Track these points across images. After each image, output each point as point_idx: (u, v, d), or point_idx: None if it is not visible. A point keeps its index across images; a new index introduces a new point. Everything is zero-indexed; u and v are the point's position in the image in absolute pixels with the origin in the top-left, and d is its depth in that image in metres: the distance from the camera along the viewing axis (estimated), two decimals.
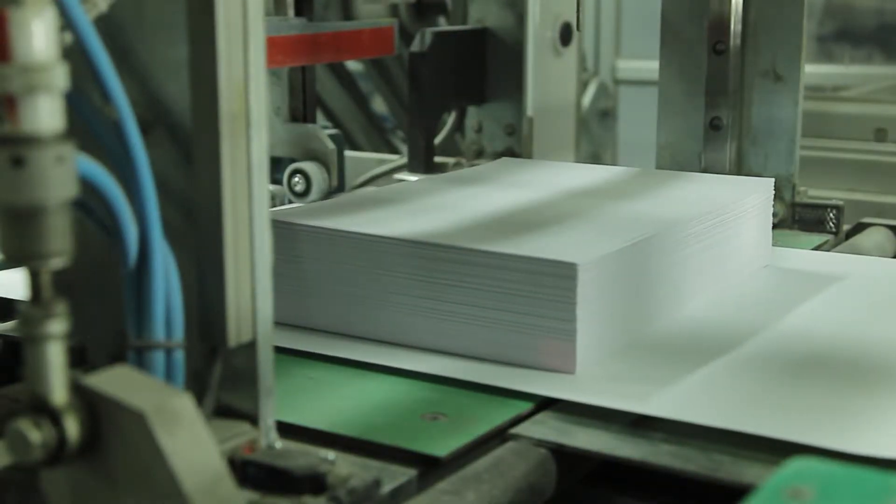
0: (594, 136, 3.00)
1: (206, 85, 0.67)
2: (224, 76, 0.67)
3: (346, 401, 0.85)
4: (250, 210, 0.69)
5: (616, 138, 3.18)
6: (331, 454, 0.68)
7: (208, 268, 0.69)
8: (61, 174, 0.56)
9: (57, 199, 0.56)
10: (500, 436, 0.79)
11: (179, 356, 0.67)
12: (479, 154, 1.72)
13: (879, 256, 1.30)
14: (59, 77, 0.56)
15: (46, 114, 0.56)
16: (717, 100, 1.46)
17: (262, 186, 0.70)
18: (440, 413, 0.82)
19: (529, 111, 1.70)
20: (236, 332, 0.69)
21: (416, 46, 1.63)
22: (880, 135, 2.09)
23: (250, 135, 0.68)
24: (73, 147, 0.57)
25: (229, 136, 0.67)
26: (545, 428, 0.80)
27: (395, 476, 0.72)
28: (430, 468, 0.74)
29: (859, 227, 1.42)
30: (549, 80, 1.76)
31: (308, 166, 1.42)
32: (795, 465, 0.59)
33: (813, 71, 2.16)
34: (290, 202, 1.41)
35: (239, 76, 0.67)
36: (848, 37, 3.60)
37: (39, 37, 0.55)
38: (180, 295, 0.67)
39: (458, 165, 1.66)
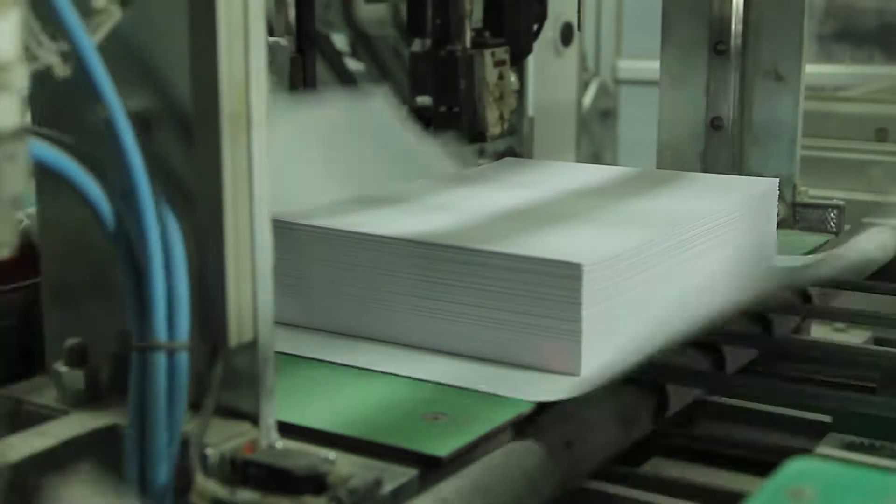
0: (595, 135, 3.00)
1: (207, 85, 0.67)
2: (225, 76, 0.67)
3: (346, 401, 0.85)
4: (251, 210, 0.69)
5: (617, 138, 3.17)
6: (331, 454, 0.68)
7: (209, 268, 0.69)
8: (11, 172, 0.57)
9: (5, 195, 0.56)
10: (500, 436, 0.79)
11: (183, 357, 0.67)
12: (480, 154, 1.72)
13: (880, 256, 1.30)
14: (20, 77, 0.56)
15: (3, 112, 0.56)
16: (717, 100, 1.46)
17: (263, 186, 0.70)
18: (441, 413, 0.82)
19: (530, 111, 1.69)
20: (237, 332, 0.69)
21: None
22: (881, 135, 2.09)
23: (251, 134, 0.68)
24: (27, 145, 0.57)
25: (230, 136, 0.67)
26: (547, 427, 0.80)
27: (396, 476, 0.72)
28: (431, 468, 0.74)
29: (860, 228, 1.42)
30: (549, 80, 1.76)
31: None
32: (795, 465, 0.59)
33: (814, 71, 2.15)
34: None
35: (240, 76, 0.67)
36: (849, 37, 3.60)
37: (3, 37, 0.55)
38: (187, 295, 0.67)
39: None
